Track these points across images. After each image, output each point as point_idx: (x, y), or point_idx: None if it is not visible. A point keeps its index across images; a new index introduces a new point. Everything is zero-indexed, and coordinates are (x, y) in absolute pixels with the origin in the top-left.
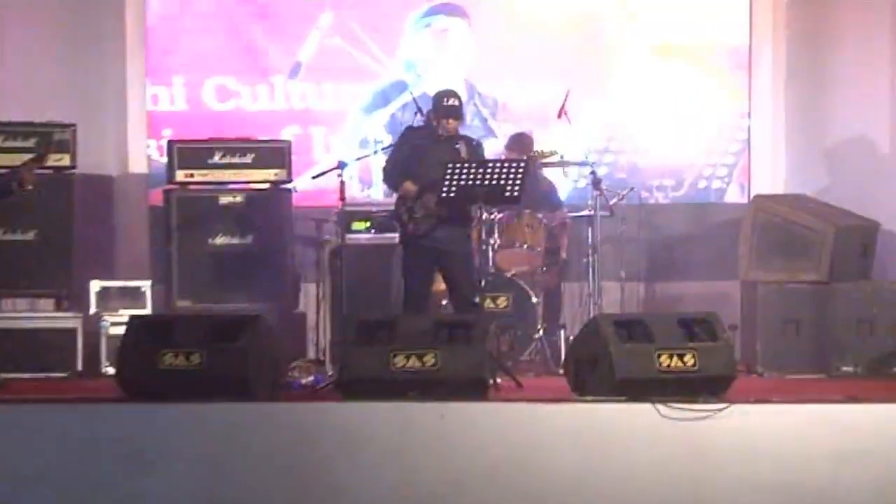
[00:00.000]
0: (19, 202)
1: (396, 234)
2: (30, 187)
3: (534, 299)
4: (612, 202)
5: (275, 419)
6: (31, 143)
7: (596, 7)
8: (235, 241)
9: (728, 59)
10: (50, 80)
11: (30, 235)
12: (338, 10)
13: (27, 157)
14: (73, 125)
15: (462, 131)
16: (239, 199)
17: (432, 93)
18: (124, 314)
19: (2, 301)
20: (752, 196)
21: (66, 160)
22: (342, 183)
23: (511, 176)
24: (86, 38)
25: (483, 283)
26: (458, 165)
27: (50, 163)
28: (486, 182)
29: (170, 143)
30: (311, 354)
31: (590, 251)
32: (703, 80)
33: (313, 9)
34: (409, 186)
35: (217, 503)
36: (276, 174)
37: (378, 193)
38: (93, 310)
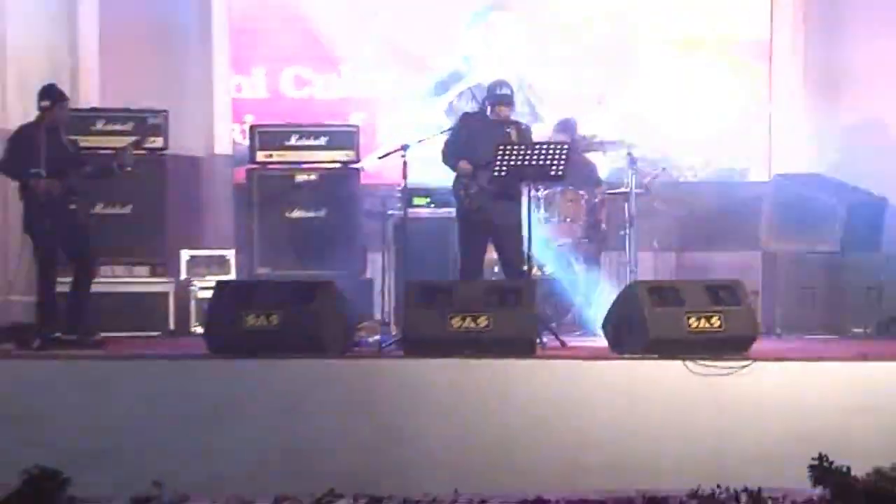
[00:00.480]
0: (118, 180)
1: (453, 209)
2: (129, 168)
3: (576, 267)
4: (646, 180)
5: (345, 373)
6: (128, 127)
7: (630, 3)
8: (310, 214)
9: (751, 50)
10: (145, 71)
11: (127, 209)
12: (401, 7)
13: (126, 139)
14: (166, 111)
15: (512, 117)
16: (313, 177)
17: (486, 82)
18: (211, 280)
19: (102, 268)
20: (772, 175)
21: (159, 142)
22: (405, 163)
23: (556, 157)
24: (177, 33)
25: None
26: (508, 147)
27: (145, 145)
28: (534, 162)
29: (252, 127)
30: (378, 316)
31: (626, 224)
32: (728, 69)
33: (379, 5)
34: (465, 166)
35: (292, 449)
36: (345, 155)
37: (438, 172)
38: (183, 276)
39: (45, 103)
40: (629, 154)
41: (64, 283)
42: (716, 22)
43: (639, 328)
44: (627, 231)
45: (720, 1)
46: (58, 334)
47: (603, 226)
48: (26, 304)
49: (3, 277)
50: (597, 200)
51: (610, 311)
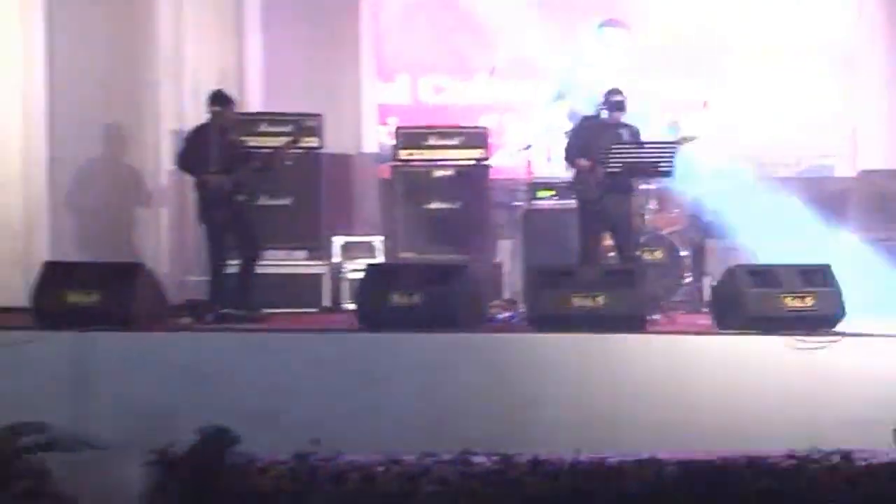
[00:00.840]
0: (279, 175)
1: (573, 201)
2: (288, 163)
3: (682, 252)
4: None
5: (478, 346)
6: (287, 128)
7: (725, 16)
8: (446, 205)
9: (837, 54)
10: (303, 78)
11: (287, 201)
12: (527, 22)
13: (285, 139)
14: (320, 114)
15: (624, 120)
16: (449, 172)
17: (602, 90)
18: (361, 262)
19: (266, 252)
20: (858, 171)
21: (314, 142)
22: (530, 160)
23: (664, 155)
24: (330, 45)
25: (642, 240)
26: (621, 146)
27: (302, 144)
28: (644, 160)
29: (396, 128)
30: (507, 295)
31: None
32: (817, 72)
33: (508, 20)
34: (584, 163)
35: (432, 412)
36: (477, 153)
37: (559, 168)
38: (336, 259)
39: (216, 107)
40: (728, 153)
41: (233, 265)
42: (804, 28)
43: (739, 307)
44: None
45: (807, 8)
46: (228, 309)
47: (706, 215)
48: (201, 283)
49: (183, 260)
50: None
51: (714, 292)
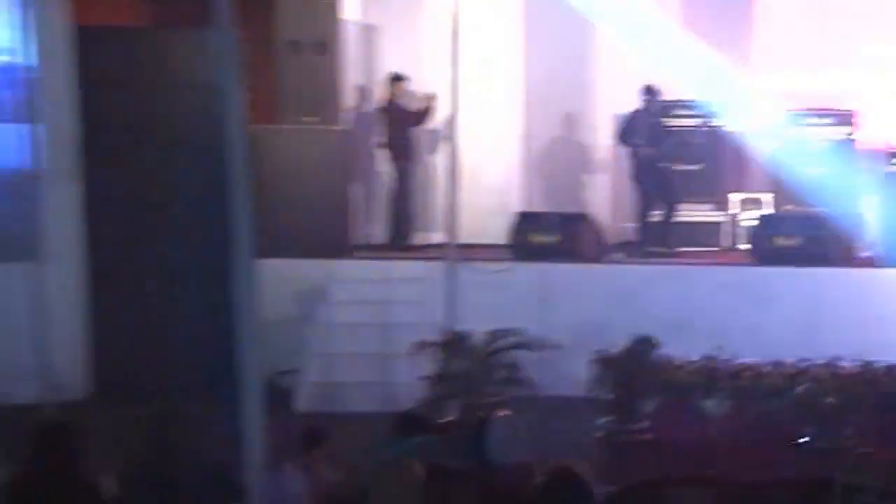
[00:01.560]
0: (692, 147)
1: None
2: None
3: None
4: None
5: (845, 277)
6: (697, 111)
7: None
8: (821, 170)
9: None
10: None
11: (697, 166)
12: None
13: (696, 120)
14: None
15: None
16: (823, 145)
17: None
18: (753, 213)
19: (681, 205)
20: None
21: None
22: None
23: None
24: (727, 39)
25: None
26: None
27: (710, 124)
28: None
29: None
30: (868, 239)
31: None
32: None
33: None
34: None
35: (808, 325)
36: (847, 129)
37: None
38: (734, 210)
39: (647, 96)
40: None
41: (656, 215)
42: None
43: None
44: None
45: None
46: (652, 248)
47: None
48: (632, 228)
49: (619, 211)
50: None
51: None
